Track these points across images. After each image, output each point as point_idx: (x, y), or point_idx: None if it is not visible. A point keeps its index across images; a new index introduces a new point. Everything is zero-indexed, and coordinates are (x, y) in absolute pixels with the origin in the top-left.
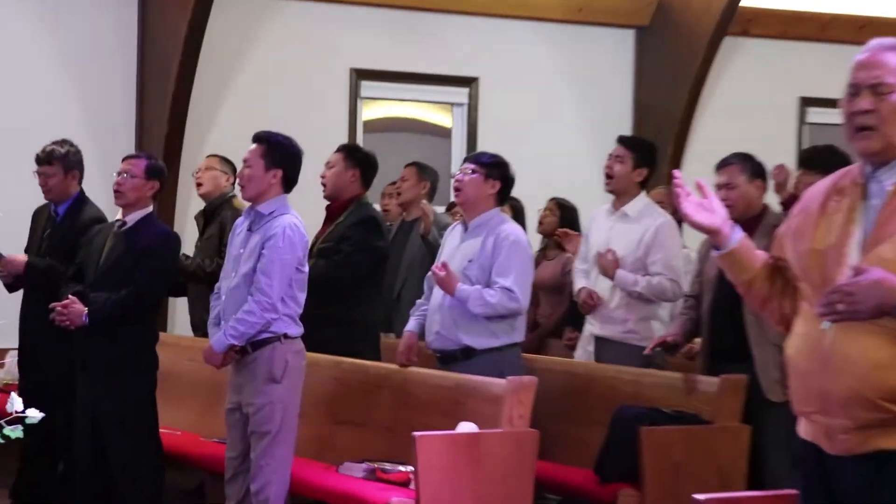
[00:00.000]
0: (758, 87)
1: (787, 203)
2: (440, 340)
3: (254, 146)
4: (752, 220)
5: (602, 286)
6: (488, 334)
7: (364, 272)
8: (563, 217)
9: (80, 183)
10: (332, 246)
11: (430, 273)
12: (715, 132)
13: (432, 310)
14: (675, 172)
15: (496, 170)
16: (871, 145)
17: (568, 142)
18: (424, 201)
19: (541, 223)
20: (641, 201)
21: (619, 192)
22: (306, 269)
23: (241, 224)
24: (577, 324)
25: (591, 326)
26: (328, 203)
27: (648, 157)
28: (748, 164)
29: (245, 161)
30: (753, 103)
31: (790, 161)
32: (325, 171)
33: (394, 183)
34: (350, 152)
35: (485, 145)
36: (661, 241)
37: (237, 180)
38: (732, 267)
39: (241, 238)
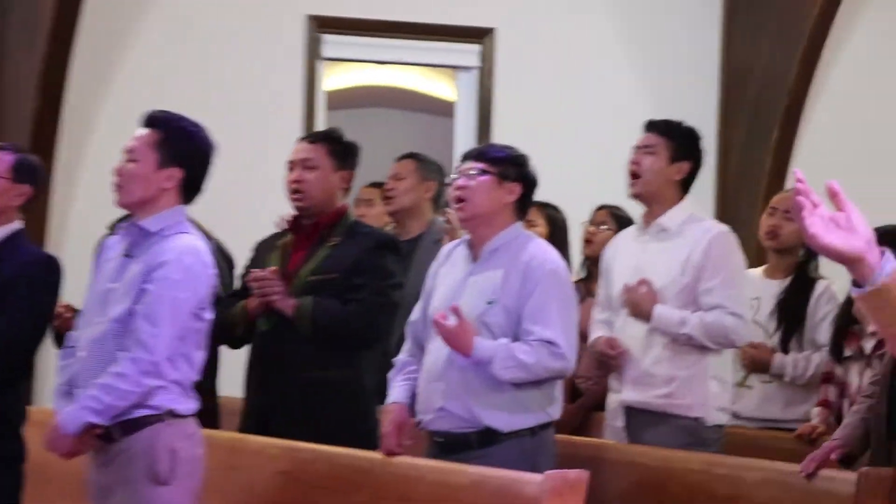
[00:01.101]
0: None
1: None
2: (446, 420)
3: (143, 132)
4: None
5: (633, 333)
6: (519, 409)
7: (394, 317)
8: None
9: None
10: (336, 279)
11: (417, 314)
12: (840, 112)
13: (430, 374)
14: (797, 173)
15: (513, 168)
16: None
17: (624, 124)
18: (450, 211)
19: (587, 242)
20: (684, 210)
21: (651, 198)
22: (208, 316)
23: (112, 246)
24: None
25: (619, 392)
26: (297, 215)
27: (690, 148)
28: None
29: (128, 152)
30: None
31: None
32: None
33: (375, 184)
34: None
35: (503, 127)
36: (717, 260)
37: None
38: (880, 311)
39: (114, 266)
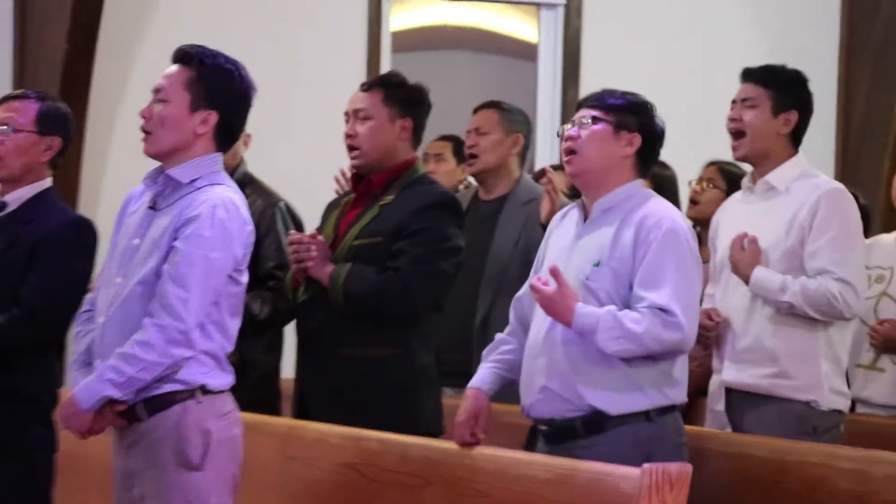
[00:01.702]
0: None
1: None
2: (548, 402)
3: (174, 69)
4: None
5: (735, 303)
6: (631, 388)
7: (444, 289)
8: (732, 192)
9: None
10: (381, 243)
11: (524, 289)
12: None
13: (532, 351)
14: None
15: (632, 116)
16: None
17: (736, 68)
18: (550, 168)
19: (693, 202)
20: (796, 165)
21: (759, 157)
22: (245, 279)
23: (136, 198)
24: None
25: (720, 371)
26: (356, 173)
27: (796, 94)
28: None
29: (157, 92)
30: None
31: None
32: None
33: (446, 137)
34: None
35: (593, 73)
36: (825, 219)
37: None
38: None
39: (137, 220)
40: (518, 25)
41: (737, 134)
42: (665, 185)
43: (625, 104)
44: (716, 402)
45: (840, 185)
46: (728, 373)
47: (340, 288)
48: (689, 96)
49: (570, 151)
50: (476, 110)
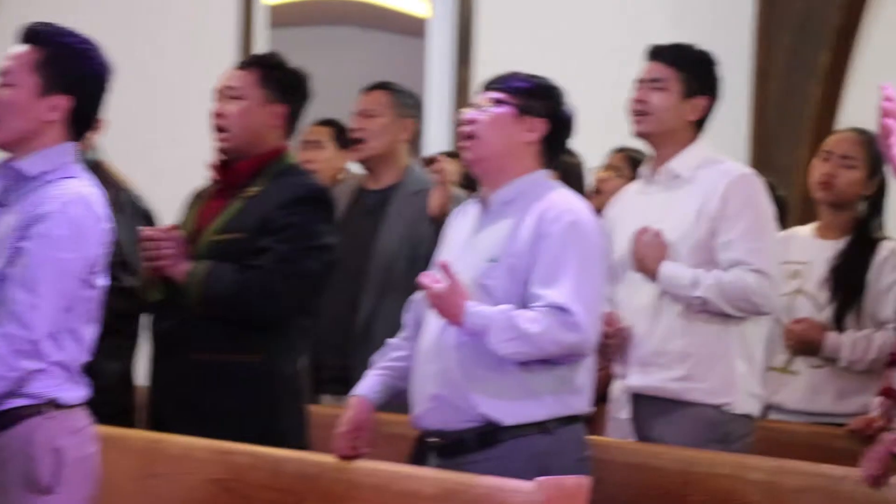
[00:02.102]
0: None
1: None
2: (438, 412)
3: (20, 49)
4: None
5: (640, 302)
6: (527, 396)
7: (313, 290)
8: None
9: None
10: (244, 239)
11: (415, 293)
12: None
13: (423, 357)
14: (887, 88)
15: (538, 100)
16: None
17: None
18: (442, 157)
19: (598, 191)
20: (699, 151)
21: (661, 140)
22: (101, 282)
23: None
24: None
25: (625, 377)
26: (223, 160)
27: (707, 78)
28: None
29: (3, 74)
30: None
31: None
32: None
33: (326, 122)
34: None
35: (488, 51)
36: (736, 208)
37: None
38: None
39: None
40: (408, 0)
41: (640, 114)
42: (570, 173)
43: (531, 87)
44: (619, 410)
45: (749, 171)
46: (634, 378)
47: (197, 288)
48: (593, 78)
49: (469, 136)
50: (366, 91)
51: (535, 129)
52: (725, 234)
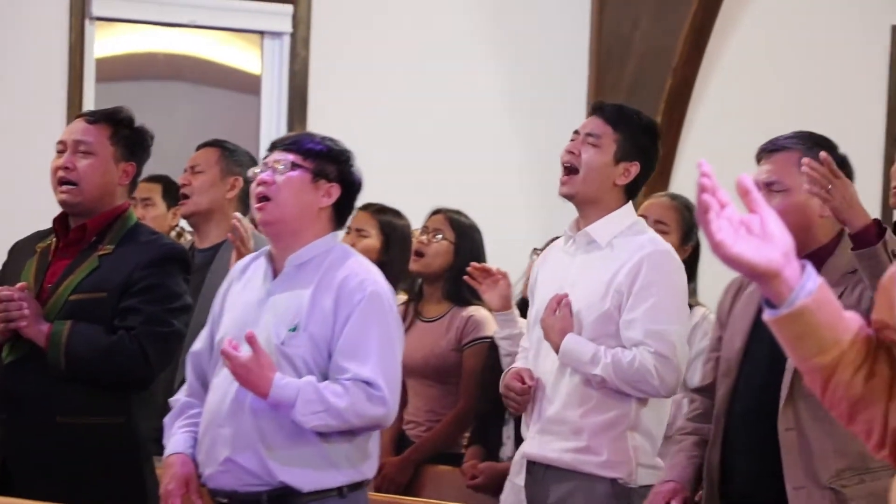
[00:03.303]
0: (818, 11)
1: None
2: (232, 475)
3: None
4: (814, 256)
5: (546, 368)
6: (326, 465)
7: (178, 350)
8: (461, 244)
9: None
10: (104, 299)
11: (201, 343)
12: (735, 90)
13: (215, 419)
14: (703, 164)
15: (332, 165)
16: None
17: (475, 108)
18: (238, 215)
19: (418, 254)
20: (623, 218)
21: (587, 201)
22: None
23: None
24: (490, 439)
25: (526, 441)
26: (63, 213)
27: (645, 145)
28: (816, 151)
29: None
30: (809, 39)
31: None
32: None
33: (155, 178)
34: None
35: (320, 109)
36: (645, 285)
37: None
38: (799, 340)
39: None
40: (241, 56)
41: (569, 170)
42: (397, 236)
43: (325, 151)
44: (516, 475)
45: (666, 247)
46: (530, 444)
47: (62, 348)
48: (422, 136)
49: (264, 198)
50: (198, 148)
51: (330, 194)
52: (630, 311)
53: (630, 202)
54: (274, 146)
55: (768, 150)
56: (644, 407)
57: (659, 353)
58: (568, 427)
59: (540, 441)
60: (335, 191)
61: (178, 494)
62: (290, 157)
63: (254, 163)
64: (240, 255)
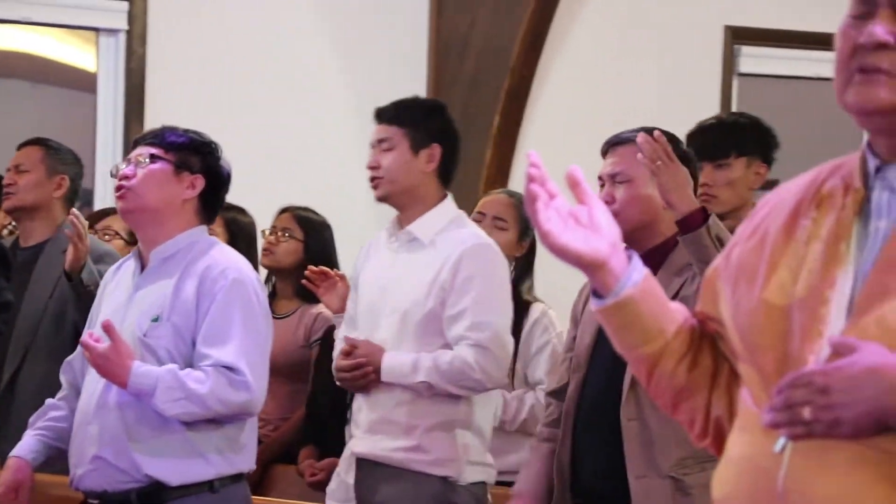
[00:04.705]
0: (653, 12)
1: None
2: (100, 473)
3: None
4: (657, 250)
5: None
6: (193, 456)
7: None
8: (311, 242)
9: None
10: None
11: (77, 351)
12: (572, 90)
13: (84, 417)
14: (532, 155)
15: (198, 157)
16: (884, 98)
17: (323, 105)
18: (75, 210)
19: (266, 252)
20: (444, 213)
21: (402, 201)
22: None
23: None
24: (324, 438)
25: (354, 438)
26: None
27: (434, 126)
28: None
29: None
30: (642, 36)
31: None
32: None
33: None
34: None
35: (160, 107)
36: (466, 279)
37: None
38: (624, 330)
39: None
40: (77, 53)
41: (375, 177)
42: (242, 233)
43: (187, 142)
44: (346, 473)
45: (487, 241)
46: (359, 443)
47: None
48: (270, 134)
49: (123, 190)
50: (18, 147)
51: (193, 185)
52: (452, 307)
53: (450, 196)
54: (136, 142)
55: (613, 144)
56: (474, 404)
57: (479, 344)
58: (398, 426)
59: (370, 441)
60: (199, 182)
61: (6, 500)
62: (152, 150)
63: (78, 161)
64: (76, 251)
